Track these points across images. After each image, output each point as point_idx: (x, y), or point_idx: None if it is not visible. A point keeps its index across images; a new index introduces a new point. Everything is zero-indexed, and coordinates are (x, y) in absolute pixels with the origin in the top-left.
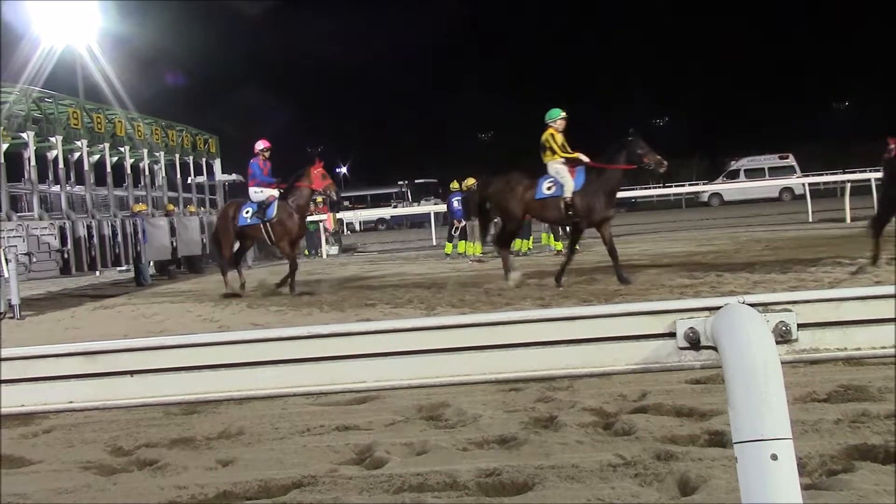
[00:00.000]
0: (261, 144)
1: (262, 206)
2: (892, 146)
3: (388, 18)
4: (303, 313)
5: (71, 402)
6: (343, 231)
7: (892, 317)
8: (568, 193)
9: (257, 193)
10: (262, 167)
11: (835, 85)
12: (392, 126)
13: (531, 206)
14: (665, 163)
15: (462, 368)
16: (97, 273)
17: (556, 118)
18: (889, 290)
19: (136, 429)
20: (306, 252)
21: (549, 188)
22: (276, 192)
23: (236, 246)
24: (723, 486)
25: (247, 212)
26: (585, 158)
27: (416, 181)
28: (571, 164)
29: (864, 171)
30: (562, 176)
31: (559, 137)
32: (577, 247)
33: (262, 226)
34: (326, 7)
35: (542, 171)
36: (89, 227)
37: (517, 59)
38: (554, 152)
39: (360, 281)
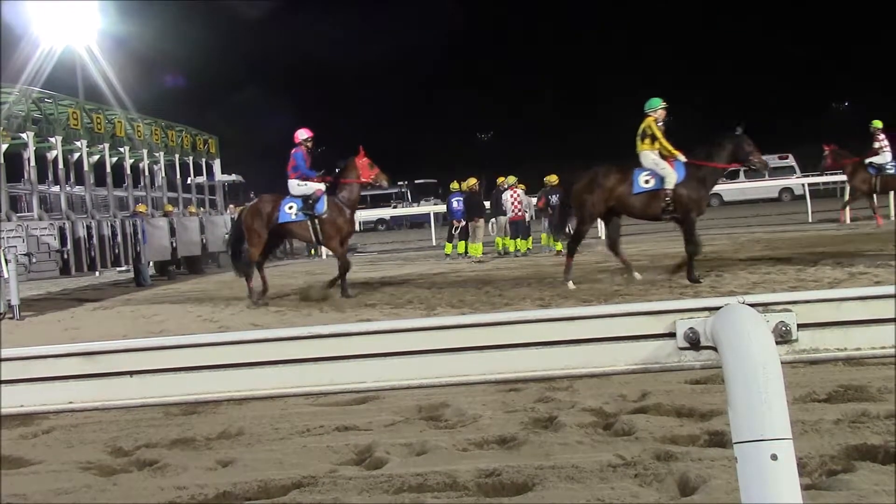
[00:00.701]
0: (304, 133)
1: (309, 201)
2: (827, 151)
3: (387, 19)
4: (302, 314)
5: (70, 402)
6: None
7: (893, 317)
8: (670, 186)
9: (300, 187)
10: (305, 158)
11: (835, 85)
12: (392, 126)
13: (625, 202)
14: (768, 164)
15: (462, 369)
16: (97, 273)
17: (658, 107)
18: (889, 290)
19: (135, 429)
20: (313, 252)
21: (646, 181)
22: (322, 186)
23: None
24: (722, 486)
25: (289, 207)
26: (683, 157)
27: (416, 181)
28: (669, 156)
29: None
30: (661, 167)
31: (660, 127)
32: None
33: (309, 222)
34: (327, 8)
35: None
36: (89, 228)
37: (517, 59)
38: (654, 140)
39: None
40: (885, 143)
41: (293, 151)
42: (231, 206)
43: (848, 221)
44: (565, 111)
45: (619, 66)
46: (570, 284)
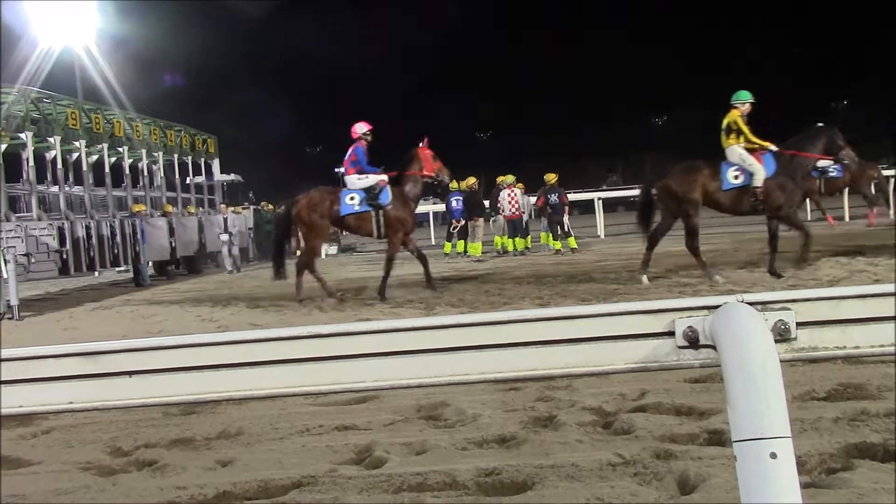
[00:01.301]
0: (363, 127)
1: (373, 192)
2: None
3: (386, 18)
4: (301, 313)
5: (70, 402)
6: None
7: (892, 315)
8: (759, 182)
9: (361, 180)
10: (366, 153)
11: (834, 84)
12: (390, 125)
13: (715, 197)
14: (857, 160)
15: (461, 368)
16: (96, 274)
17: (746, 100)
18: (888, 288)
19: (135, 429)
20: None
21: (735, 177)
22: (385, 177)
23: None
24: (722, 484)
25: (351, 198)
26: (773, 147)
27: None
28: (758, 150)
29: None
30: (749, 163)
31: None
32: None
33: (373, 213)
34: (326, 7)
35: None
36: (88, 228)
37: (517, 59)
38: (740, 134)
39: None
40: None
41: (354, 146)
42: (222, 205)
43: (847, 220)
44: (565, 111)
45: (619, 66)
46: (645, 279)
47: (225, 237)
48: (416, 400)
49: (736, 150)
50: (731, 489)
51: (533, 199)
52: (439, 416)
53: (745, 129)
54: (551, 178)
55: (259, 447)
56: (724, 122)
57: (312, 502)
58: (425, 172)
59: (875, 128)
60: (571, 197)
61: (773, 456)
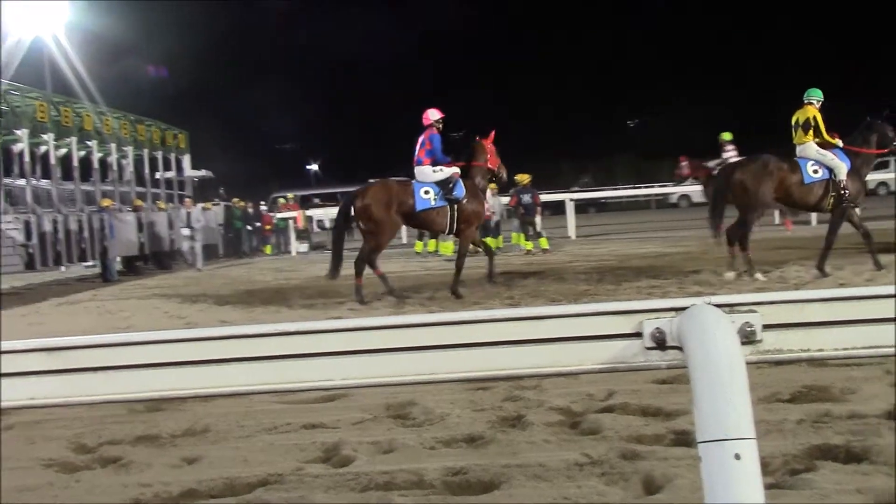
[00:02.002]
0: (436, 113)
1: (447, 185)
2: (684, 163)
3: (367, 15)
4: (271, 311)
5: (33, 398)
6: (312, 229)
7: (855, 319)
8: (843, 176)
9: (435, 173)
10: (441, 141)
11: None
12: (365, 124)
13: (793, 192)
14: None
15: (430, 367)
16: (63, 268)
17: (821, 98)
18: (852, 292)
19: (99, 426)
20: (266, 249)
21: (814, 171)
22: (457, 170)
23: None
24: (687, 485)
25: (426, 192)
26: (840, 143)
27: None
28: (826, 146)
29: None
30: (829, 158)
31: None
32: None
33: (448, 208)
34: (302, 3)
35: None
36: (55, 222)
37: (492, 60)
38: (818, 133)
39: None
40: (734, 153)
41: (428, 135)
42: (186, 199)
43: (814, 224)
44: (538, 113)
45: (590, 67)
46: (731, 275)
47: (187, 232)
48: (385, 399)
49: (812, 145)
50: (697, 489)
51: (505, 200)
52: (407, 415)
53: (822, 125)
54: (524, 178)
55: (225, 445)
56: (799, 118)
57: (279, 501)
58: (489, 165)
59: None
60: (543, 197)
61: (738, 457)
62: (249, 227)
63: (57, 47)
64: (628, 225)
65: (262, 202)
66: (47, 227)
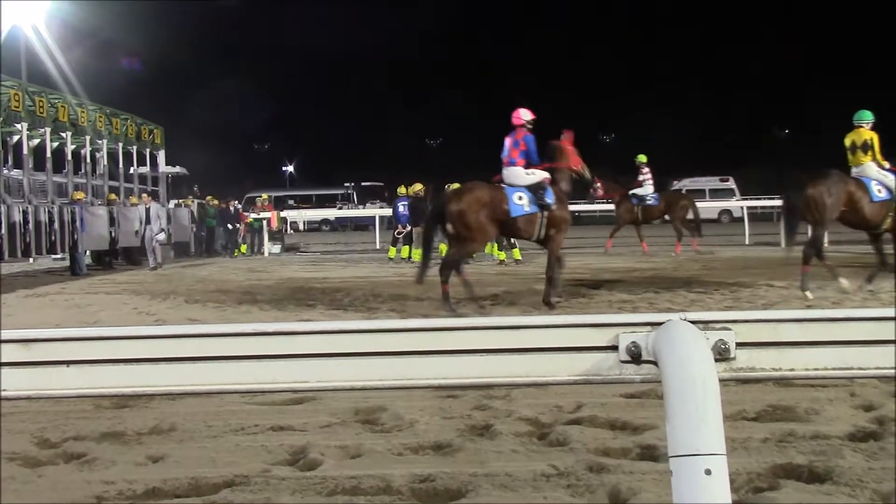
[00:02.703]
0: (528, 114)
1: (539, 190)
2: (598, 184)
3: (338, 17)
4: (241, 311)
5: (3, 389)
6: (286, 230)
7: (827, 340)
8: None
9: (528, 175)
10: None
11: (775, 113)
12: (340, 127)
13: (860, 210)
14: None
15: (404, 373)
16: (31, 260)
17: (872, 120)
18: (825, 314)
19: (64, 421)
20: (239, 251)
21: (879, 191)
22: (548, 175)
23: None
24: (652, 498)
25: (519, 197)
26: (887, 164)
27: (363, 183)
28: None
29: None
30: (890, 179)
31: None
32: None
33: (538, 215)
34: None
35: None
36: (25, 213)
37: (470, 65)
38: (874, 154)
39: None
40: (648, 176)
41: (522, 135)
42: (144, 195)
43: (784, 245)
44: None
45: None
46: (809, 294)
47: (154, 230)
48: (354, 403)
49: (872, 166)
50: (663, 503)
51: None
52: (376, 421)
53: (878, 149)
54: None
55: (192, 444)
56: (854, 140)
57: (244, 502)
58: (572, 167)
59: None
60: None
61: (708, 472)
62: (231, 227)
63: (36, 37)
64: (602, 239)
65: (236, 202)
66: (17, 217)
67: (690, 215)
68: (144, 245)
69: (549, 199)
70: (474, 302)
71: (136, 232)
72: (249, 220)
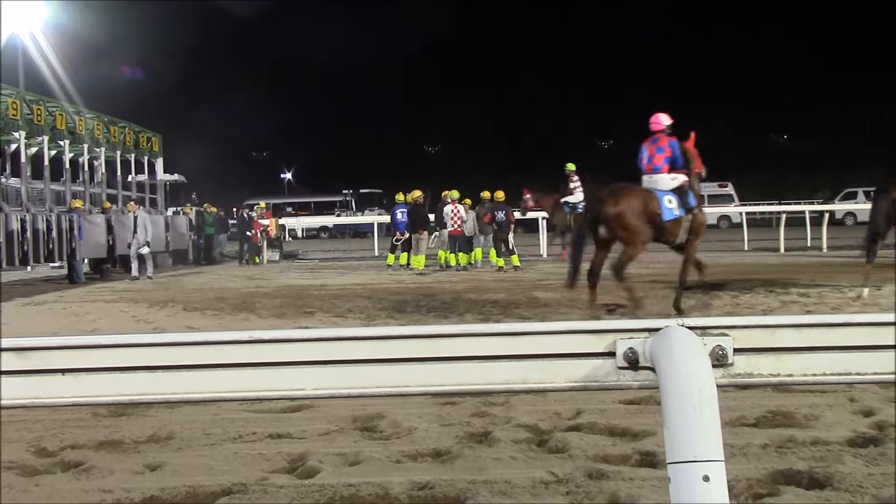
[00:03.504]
0: (667, 118)
1: (683, 194)
2: (527, 196)
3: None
4: (239, 318)
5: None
6: (284, 237)
7: (825, 345)
8: None
9: (673, 180)
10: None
11: (774, 118)
12: (338, 134)
13: None
14: None
15: (402, 380)
16: (29, 268)
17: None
18: (823, 319)
19: (61, 429)
20: (255, 259)
21: None
22: (686, 178)
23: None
24: None
25: (669, 201)
26: None
27: (361, 191)
28: None
29: (800, 203)
30: None
31: None
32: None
33: (684, 219)
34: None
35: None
36: (23, 221)
37: (468, 72)
38: None
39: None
40: (578, 184)
41: (668, 140)
42: (131, 202)
43: (783, 251)
44: (515, 130)
45: (569, 82)
46: (866, 293)
47: (139, 239)
48: (352, 410)
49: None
50: None
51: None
52: (375, 428)
53: None
54: (499, 195)
55: (190, 452)
56: None
57: None
58: (698, 170)
59: (812, 163)
60: (517, 215)
61: (706, 479)
62: (248, 234)
63: (33, 45)
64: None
65: (251, 209)
66: (15, 225)
67: None
68: (130, 254)
69: (692, 202)
70: (639, 309)
71: (128, 243)
72: (272, 230)
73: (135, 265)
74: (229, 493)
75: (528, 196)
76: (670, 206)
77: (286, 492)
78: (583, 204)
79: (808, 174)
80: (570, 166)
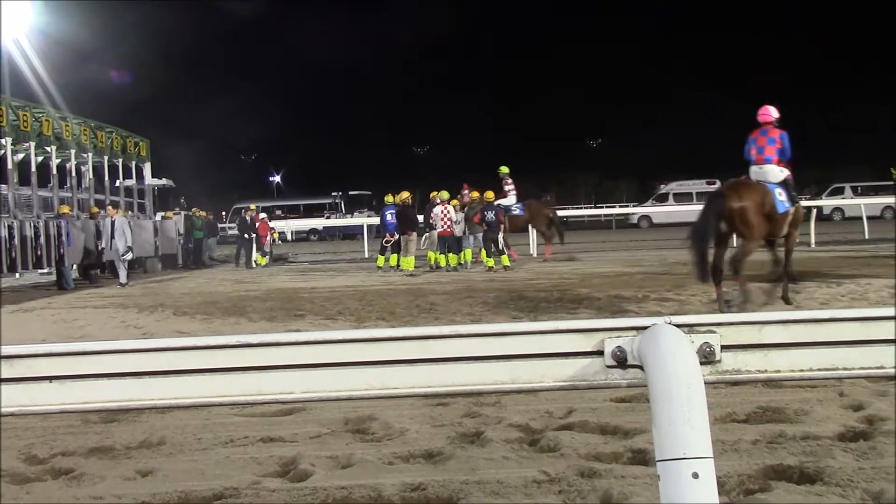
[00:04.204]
0: (775, 111)
1: (788, 187)
2: (465, 191)
3: (331, 28)
4: (230, 322)
5: None
6: (274, 241)
7: (813, 341)
8: None
9: (781, 173)
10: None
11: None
12: (327, 136)
13: None
14: None
15: (392, 382)
16: (17, 275)
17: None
18: (810, 315)
19: (51, 436)
20: (257, 262)
21: None
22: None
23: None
24: (644, 503)
25: (780, 193)
26: None
27: (350, 193)
28: None
29: None
30: None
31: None
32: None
33: (790, 211)
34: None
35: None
36: (10, 228)
37: (455, 74)
38: None
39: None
40: (512, 186)
41: (779, 133)
42: (109, 207)
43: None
44: (505, 129)
45: (556, 82)
46: None
47: (120, 246)
48: (344, 413)
49: None
50: None
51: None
52: (366, 430)
53: None
54: (489, 195)
55: (181, 457)
56: None
57: None
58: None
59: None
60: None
61: (696, 476)
62: (246, 236)
63: (18, 50)
64: (589, 244)
65: (253, 212)
66: (2, 232)
67: (551, 223)
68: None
69: (796, 194)
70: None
71: (102, 248)
72: (276, 234)
73: (122, 272)
74: (221, 498)
75: (465, 192)
76: (782, 199)
77: (278, 496)
78: (516, 206)
79: (796, 170)
80: (504, 169)
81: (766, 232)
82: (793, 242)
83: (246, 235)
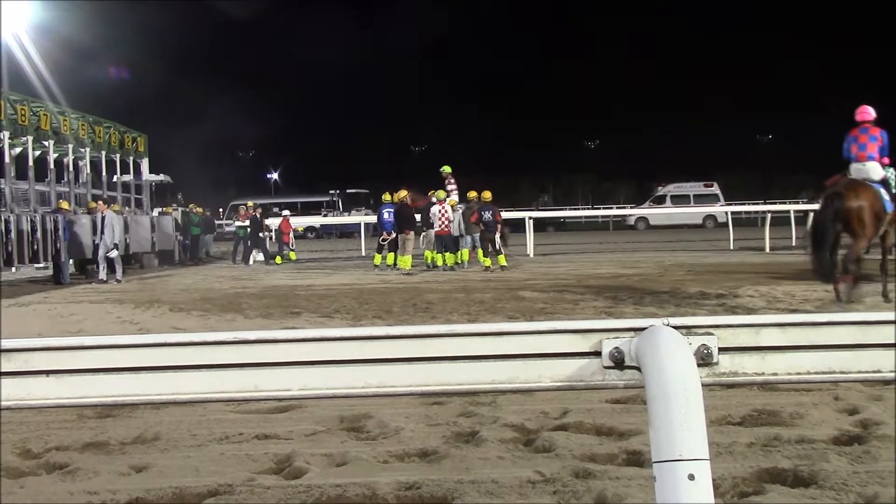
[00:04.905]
0: (873, 111)
1: (888, 186)
2: (405, 193)
3: (330, 26)
4: (226, 319)
5: None
6: (271, 238)
7: (810, 344)
8: None
9: (883, 171)
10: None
11: (760, 118)
12: (325, 134)
13: None
14: None
15: (389, 380)
16: (13, 269)
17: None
18: (807, 318)
19: (46, 431)
20: (291, 256)
21: None
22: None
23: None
24: None
25: (885, 193)
26: None
27: (348, 191)
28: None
29: (785, 203)
30: None
31: None
32: None
33: (893, 212)
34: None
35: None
36: (7, 222)
37: (456, 74)
38: None
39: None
40: (454, 186)
41: (879, 130)
42: (99, 202)
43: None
44: (503, 130)
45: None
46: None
47: (107, 241)
48: (339, 411)
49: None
50: None
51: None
52: (362, 428)
53: None
54: (486, 195)
55: (176, 453)
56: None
57: None
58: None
59: (797, 163)
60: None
61: (692, 477)
62: (261, 235)
63: (17, 45)
64: (586, 245)
65: (287, 210)
66: None
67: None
68: (99, 255)
69: (893, 192)
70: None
71: (97, 243)
72: (300, 228)
73: (102, 268)
74: (216, 494)
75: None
76: (887, 199)
77: (273, 493)
78: (459, 206)
79: (793, 174)
80: (447, 169)
81: (876, 231)
82: (890, 241)
83: (261, 234)
